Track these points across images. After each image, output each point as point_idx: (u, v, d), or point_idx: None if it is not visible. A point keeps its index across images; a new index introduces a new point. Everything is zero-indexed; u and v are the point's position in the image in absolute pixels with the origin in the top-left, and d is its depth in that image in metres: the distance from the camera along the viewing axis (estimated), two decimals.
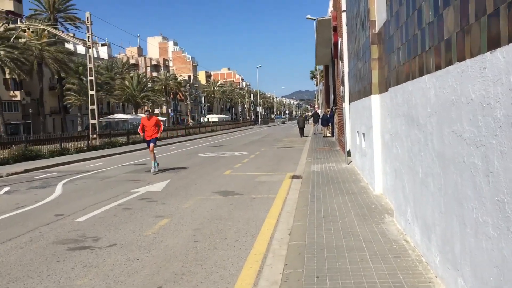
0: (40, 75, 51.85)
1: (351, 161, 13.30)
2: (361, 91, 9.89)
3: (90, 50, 24.91)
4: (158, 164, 14.03)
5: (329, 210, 6.94)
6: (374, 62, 7.89)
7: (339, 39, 13.23)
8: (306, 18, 39.91)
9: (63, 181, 12.50)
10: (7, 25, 44.16)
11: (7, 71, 46.13)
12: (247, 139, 34.23)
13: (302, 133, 33.89)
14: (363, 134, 9.80)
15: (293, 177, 11.84)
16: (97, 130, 25.03)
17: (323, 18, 19.79)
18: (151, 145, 14.04)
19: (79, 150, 22.00)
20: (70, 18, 52.58)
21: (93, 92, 25.08)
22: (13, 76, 61.24)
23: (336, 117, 23.14)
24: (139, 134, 30.07)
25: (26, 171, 14.88)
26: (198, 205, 8.56)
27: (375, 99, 8.01)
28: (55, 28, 52.78)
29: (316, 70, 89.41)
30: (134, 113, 77.84)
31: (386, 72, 6.90)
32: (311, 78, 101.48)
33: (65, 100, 58.13)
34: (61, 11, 52.20)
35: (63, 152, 20.34)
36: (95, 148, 23.46)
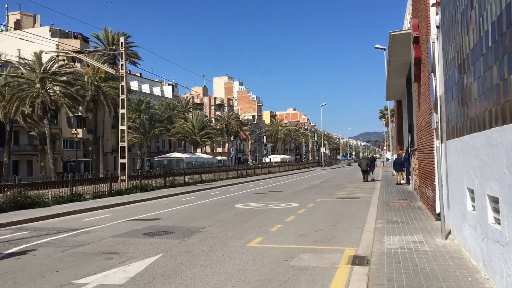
0: (95, 112, 50.75)
1: (449, 232, 8.36)
2: (480, 119, 5.26)
3: (123, 81, 21.79)
4: None
5: None
6: None
7: (430, 45, 8.61)
8: (375, 47, 35.42)
9: (12, 250, 8.60)
10: (63, 62, 43.42)
11: (63, 108, 45.00)
12: (304, 184, 29.48)
13: (365, 177, 29.94)
14: (491, 198, 5.04)
15: (355, 260, 7.15)
16: (126, 171, 21.57)
17: (398, 32, 15.22)
18: None
19: (96, 196, 18.43)
20: (128, 55, 51.59)
21: (124, 127, 21.82)
22: (75, 114, 61.41)
23: (414, 161, 18.01)
24: (180, 175, 26.49)
25: None
26: None
27: None
28: (112, 65, 52.02)
29: (386, 109, 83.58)
30: (193, 152, 75.72)
31: None
32: (380, 118, 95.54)
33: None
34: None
35: (73, 198, 16.82)
36: (119, 193, 19.83)
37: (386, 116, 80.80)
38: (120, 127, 22.20)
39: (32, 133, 54.45)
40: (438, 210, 10.11)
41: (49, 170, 53.24)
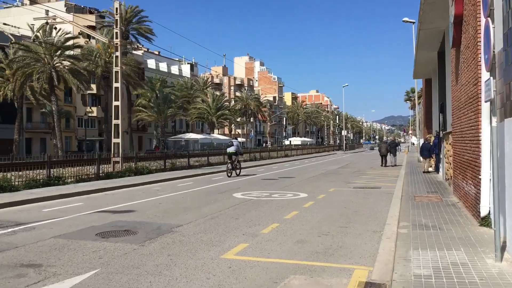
0: (106, 89, 48.94)
1: (503, 246, 5.85)
2: None
3: (118, 52, 19.44)
4: None
5: None
6: None
7: None
8: (403, 21, 32.33)
9: None
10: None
11: (72, 84, 43.25)
12: (321, 169, 27.02)
13: (384, 162, 28.94)
14: None
15: None
16: (120, 152, 19.47)
17: None
18: None
19: (81, 179, 16.41)
20: (141, 30, 49.49)
21: (118, 103, 19.62)
22: (89, 92, 59.88)
23: (447, 147, 15.36)
24: (184, 157, 24.41)
25: None
26: None
27: None
28: (125, 41, 49.94)
29: (412, 91, 79.80)
30: (210, 133, 73.71)
31: None
32: (406, 100, 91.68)
33: (134, 117, 54.94)
34: (133, 23, 49.21)
35: (50, 181, 14.79)
36: (108, 176, 17.77)
37: (412, 98, 77.03)
38: (114, 103, 20.03)
39: (44, 110, 53.14)
40: (483, 213, 7.65)
41: (55, 149, 51.99)
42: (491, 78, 5.33)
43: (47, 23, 19.98)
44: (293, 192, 14.62)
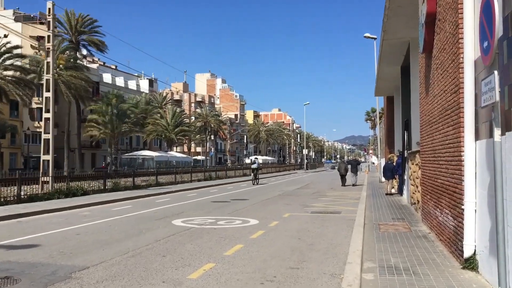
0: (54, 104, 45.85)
1: None
2: None
3: (50, 57, 17.24)
4: None
5: None
6: None
7: None
8: (364, 36, 31.54)
9: None
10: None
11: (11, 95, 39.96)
12: (278, 190, 25.33)
13: (344, 182, 28.53)
14: None
15: None
16: (50, 170, 17.15)
17: None
18: None
19: None
20: (93, 41, 46.94)
21: (49, 115, 17.38)
22: (38, 106, 56.39)
23: (412, 167, 13.96)
24: (129, 177, 22.21)
25: None
26: None
27: None
28: (75, 52, 47.31)
29: (372, 111, 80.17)
30: (167, 150, 71.09)
31: None
32: (366, 120, 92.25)
33: (85, 132, 51.88)
34: (85, 33, 46.64)
35: None
36: (33, 199, 15.39)
37: (373, 118, 77.28)
38: (44, 115, 17.75)
39: None
40: (467, 253, 6.10)
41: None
42: (495, 73, 3.75)
43: None
44: (243, 218, 12.79)
